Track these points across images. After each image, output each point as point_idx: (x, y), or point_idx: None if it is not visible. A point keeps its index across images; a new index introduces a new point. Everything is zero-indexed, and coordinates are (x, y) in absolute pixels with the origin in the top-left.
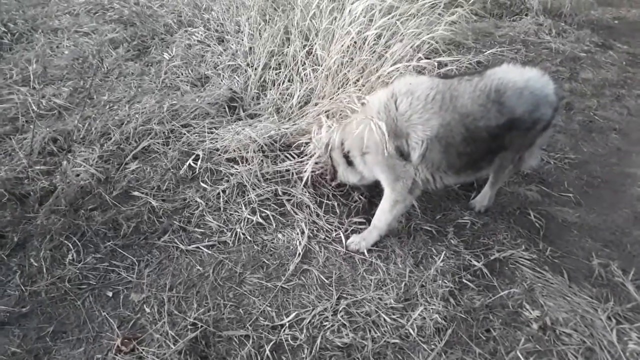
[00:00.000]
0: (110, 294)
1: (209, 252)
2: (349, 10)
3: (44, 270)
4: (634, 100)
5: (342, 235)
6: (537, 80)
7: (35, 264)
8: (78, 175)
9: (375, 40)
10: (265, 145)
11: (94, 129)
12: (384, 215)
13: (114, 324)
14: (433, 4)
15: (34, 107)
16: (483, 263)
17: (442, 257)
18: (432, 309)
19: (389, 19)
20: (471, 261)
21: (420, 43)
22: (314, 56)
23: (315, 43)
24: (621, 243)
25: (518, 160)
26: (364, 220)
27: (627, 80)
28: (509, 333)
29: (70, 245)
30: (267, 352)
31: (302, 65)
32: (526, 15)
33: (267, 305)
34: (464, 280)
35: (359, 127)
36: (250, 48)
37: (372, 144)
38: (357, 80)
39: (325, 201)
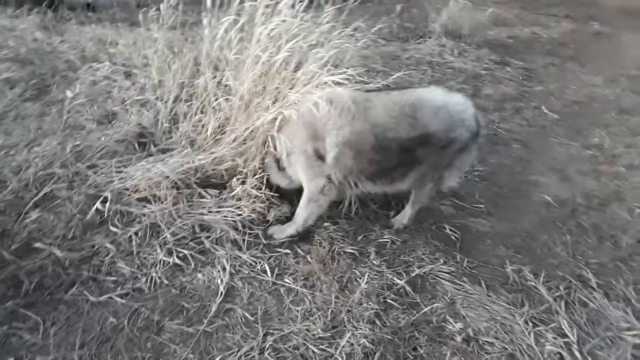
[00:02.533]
0: None
1: (123, 301)
2: (257, 37)
3: None
4: (532, 112)
5: (267, 267)
6: (457, 103)
7: None
8: None
9: (284, 66)
10: (180, 180)
11: None
12: (300, 211)
13: None
14: (340, 30)
15: None
16: (405, 281)
17: (365, 279)
18: (359, 333)
19: (296, 42)
20: (394, 280)
21: (331, 67)
22: (225, 86)
23: (226, 72)
24: (530, 248)
25: (438, 179)
26: (289, 252)
27: (524, 94)
28: (435, 349)
29: None
30: None
31: (215, 96)
32: (429, 37)
33: (189, 352)
34: (388, 300)
35: (289, 128)
36: (160, 81)
37: (297, 143)
38: (272, 105)
39: (248, 231)
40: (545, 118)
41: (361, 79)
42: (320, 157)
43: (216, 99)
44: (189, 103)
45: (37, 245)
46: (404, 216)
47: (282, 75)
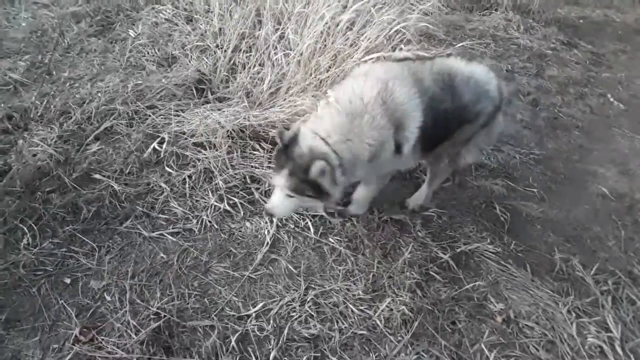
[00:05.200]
0: (68, 280)
1: (174, 239)
2: None
3: None
4: (597, 99)
5: (310, 225)
6: (481, 73)
7: None
8: (35, 155)
9: (348, 26)
10: (234, 131)
11: (53, 107)
12: (362, 200)
13: (72, 313)
14: None
15: None
16: (449, 255)
17: (409, 249)
18: (399, 300)
19: (363, 4)
20: (438, 253)
21: (393, 33)
22: (286, 40)
23: (288, 27)
24: (582, 238)
25: (455, 155)
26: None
27: (590, 79)
28: (474, 325)
29: (26, 229)
30: (233, 343)
31: (274, 50)
32: (496, 10)
33: (233, 295)
34: (430, 272)
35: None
36: (220, 29)
37: (376, 142)
38: (329, 68)
39: None
40: (610, 107)
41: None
42: (398, 149)
43: (275, 53)
44: (248, 54)
45: (97, 176)
46: (421, 195)
47: (346, 36)
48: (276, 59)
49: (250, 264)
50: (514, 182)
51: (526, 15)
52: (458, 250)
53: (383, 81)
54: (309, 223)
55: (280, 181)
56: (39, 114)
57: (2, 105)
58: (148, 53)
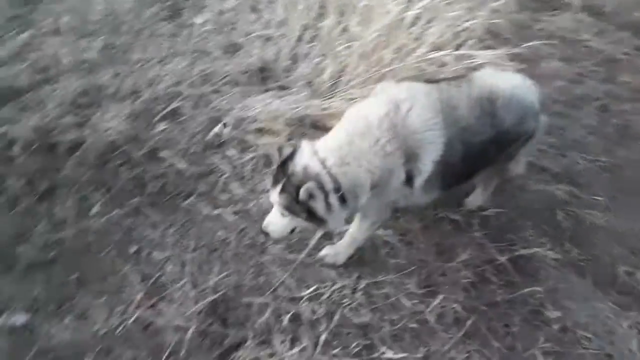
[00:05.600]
0: (133, 249)
1: (233, 218)
2: None
3: (70, 220)
4: None
5: None
6: (521, 88)
7: (62, 213)
8: (107, 130)
9: (413, 21)
10: (294, 119)
11: (124, 86)
12: (357, 235)
13: (136, 279)
14: None
15: (65, 59)
16: (507, 258)
17: (465, 248)
18: (452, 298)
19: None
20: (495, 255)
21: (459, 30)
22: (349, 32)
23: (352, 19)
24: None
25: (501, 171)
26: None
27: None
28: (529, 330)
29: (96, 198)
30: (286, 321)
31: (337, 41)
32: (566, 10)
33: (287, 276)
34: (486, 274)
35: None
36: (284, 19)
37: (381, 171)
38: (392, 62)
39: None
40: None
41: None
42: (409, 181)
43: (338, 44)
44: (310, 44)
45: (162, 154)
46: (477, 198)
47: (410, 31)
48: (338, 50)
49: (304, 248)
50: (578, 188)
51: (598, 18)
52: (516, 253)
53: (396, 102)
54: None
55: (274, 198)
56: (111, 92)
57: (79, 82)
58: (213, 39)
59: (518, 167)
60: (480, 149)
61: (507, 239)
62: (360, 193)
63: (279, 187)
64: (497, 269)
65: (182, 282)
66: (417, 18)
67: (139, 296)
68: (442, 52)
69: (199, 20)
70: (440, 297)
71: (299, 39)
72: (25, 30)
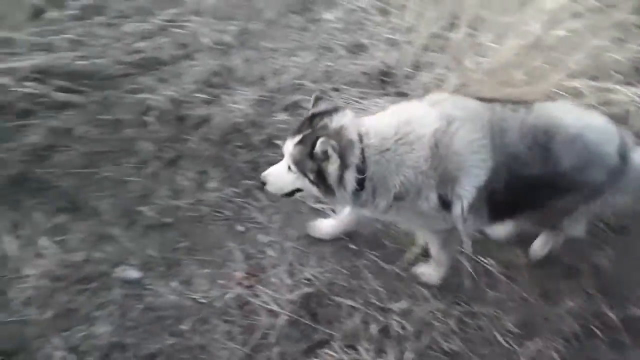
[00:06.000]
0: (241, 228)
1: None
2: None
3: (188, 190)
4: None
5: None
6: (596, 131)
7: (182, 182)
8: (232, 112)
9: (554, 44)
10: None
11: (252, 72)
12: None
13: (240, 257)
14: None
15: (203, 39)
16: (618, 316)
17: (573, 296)
18: (551, 345)
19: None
20: (605, 309)
21: (604, 61)
22: (480, 48)
23: (485, 35)
24: None
25: (554, 227)
26: None
27: None
28: None
29: (214, 174)
30: (374, 331)
31: (465, 55)
32: None
33: (379, 284)
34: (591, 327)
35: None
36: (412, 25)
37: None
38: (521, 84)
39: None
40: None
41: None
42: (445, 206)
43: (466, 58)
44: (436, 54)
45: (278, 142)
46: (541, 247)
47: (548, 55)
48: (465, 64)
49: (399, 260)
50: None
51: None
52: (629, 313)
53: (448, 120)
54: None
55: (288, 147)
56: (240, 76)
57: (213, 62)
58: (339, 37)
59: (575, 227)
60: (527, 184)
61: (621, 294)
62: (380, 195)
63: (297, 138)
64: (606, 325)
65: (280, 269)
66: (558, 41)
67: (239, 274)
68: (579, 81)
69: (328, 16)
70: (538, 341)
71: (425, 47)
72: (173, 7)
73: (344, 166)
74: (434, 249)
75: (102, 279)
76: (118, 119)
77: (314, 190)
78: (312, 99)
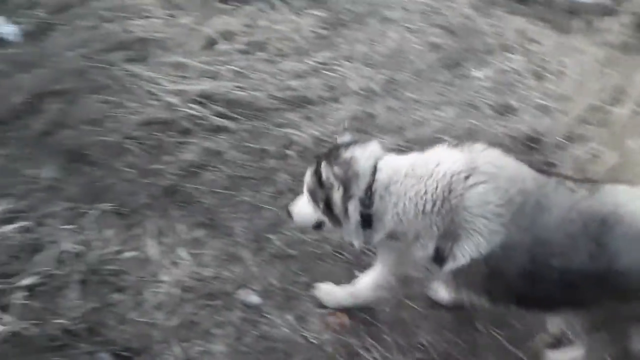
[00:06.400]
0: (360, 275)
1: None
2: None
3: None
4: None
5: None
6: None
7: None
8: None
9: None
10: None
11: (393, 120)
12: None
13: None
14: None
15: (351, 83)
16: None
17: None
18: None
19: None
20: None
21: None
22: None
23: None
24: None
25: (618, 335)
26: None
27: None
28: None
29: None
30: None
31: (628, 133)
32: None
33: None
34: None
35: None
36: (568, 93)
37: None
38: None
39: None
40: None
41: None
42: (439, 261)
43: (628, 137)
44: (592, 127)
45: None
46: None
47: None
48: (627, 143)
49: (526, 344)
50: None
51: None
52: None
53: (473, 170)
54: None
55: (307, 176)
56: (380, 123)
57: (357, 107)
58: (487, 96)
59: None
60: (563, 279)
61: None
62: (381, 228)
63: (314, 167)
64: None
65: (393, 326)
66: None
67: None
68: None
69: (478, 74)
70: None
71: (581, 119)
72: (328, 50)
73: (347, 197)
74: (369, 277)
75: (225, 298)
76: (263, 148)
77: (330, 222)
78: (341, 129)
